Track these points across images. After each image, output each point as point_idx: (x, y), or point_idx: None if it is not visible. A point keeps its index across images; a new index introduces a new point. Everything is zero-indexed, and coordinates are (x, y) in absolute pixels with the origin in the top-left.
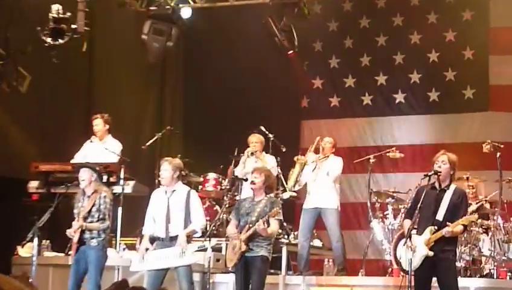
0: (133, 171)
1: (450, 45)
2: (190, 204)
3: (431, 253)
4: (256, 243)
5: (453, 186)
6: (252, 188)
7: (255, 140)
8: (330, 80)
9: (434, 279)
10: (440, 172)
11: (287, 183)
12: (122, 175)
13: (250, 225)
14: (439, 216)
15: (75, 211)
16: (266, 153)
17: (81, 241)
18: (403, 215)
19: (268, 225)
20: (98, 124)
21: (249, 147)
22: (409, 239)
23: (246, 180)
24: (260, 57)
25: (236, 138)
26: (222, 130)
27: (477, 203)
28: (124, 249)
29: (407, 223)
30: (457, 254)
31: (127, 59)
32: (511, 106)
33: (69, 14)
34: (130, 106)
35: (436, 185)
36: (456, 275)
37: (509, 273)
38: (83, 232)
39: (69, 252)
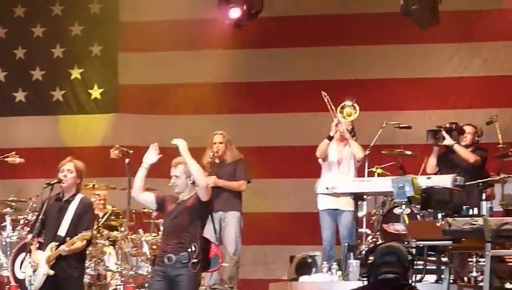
0: None
1: (76, 40)
2: None
3: (51, 272)
4: None
5: (79, 197)
6: None
7: None
8: None
9: None
10: (64, 181)
11: None
12: None
13: None
14: (62, 231)
15: None
16: None
17: None
18: (24, 226)
19: None
20: None
21: None
22: (29, 255)
23: None
24: None
25: None
26: None
27: (104, 214)
28: None
29: (30, 237)
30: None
31: None
32: (139, 107)
33: None
34: None
35: (61, 195)
36: None
37: (137, 289)
38: None
39: None
